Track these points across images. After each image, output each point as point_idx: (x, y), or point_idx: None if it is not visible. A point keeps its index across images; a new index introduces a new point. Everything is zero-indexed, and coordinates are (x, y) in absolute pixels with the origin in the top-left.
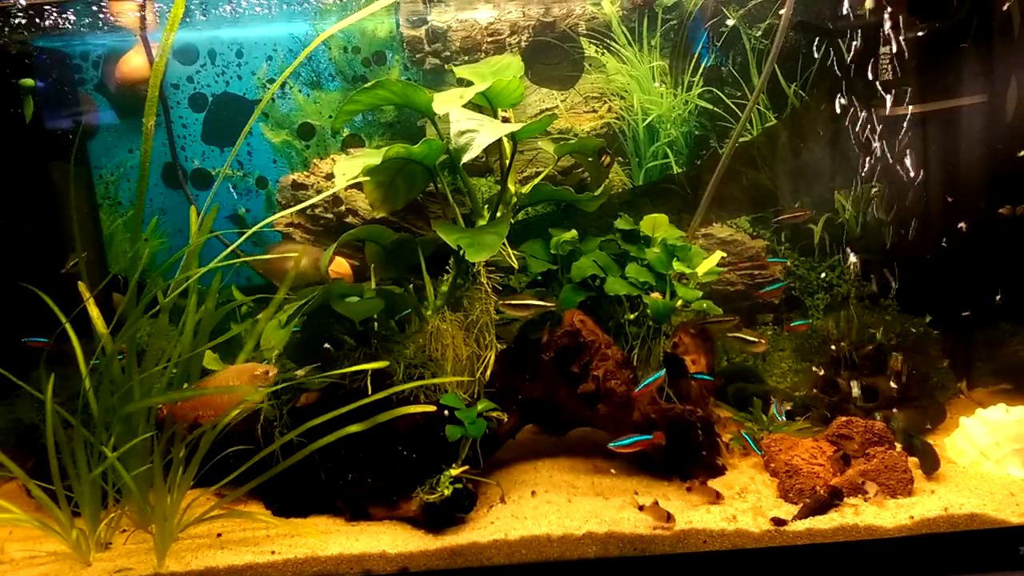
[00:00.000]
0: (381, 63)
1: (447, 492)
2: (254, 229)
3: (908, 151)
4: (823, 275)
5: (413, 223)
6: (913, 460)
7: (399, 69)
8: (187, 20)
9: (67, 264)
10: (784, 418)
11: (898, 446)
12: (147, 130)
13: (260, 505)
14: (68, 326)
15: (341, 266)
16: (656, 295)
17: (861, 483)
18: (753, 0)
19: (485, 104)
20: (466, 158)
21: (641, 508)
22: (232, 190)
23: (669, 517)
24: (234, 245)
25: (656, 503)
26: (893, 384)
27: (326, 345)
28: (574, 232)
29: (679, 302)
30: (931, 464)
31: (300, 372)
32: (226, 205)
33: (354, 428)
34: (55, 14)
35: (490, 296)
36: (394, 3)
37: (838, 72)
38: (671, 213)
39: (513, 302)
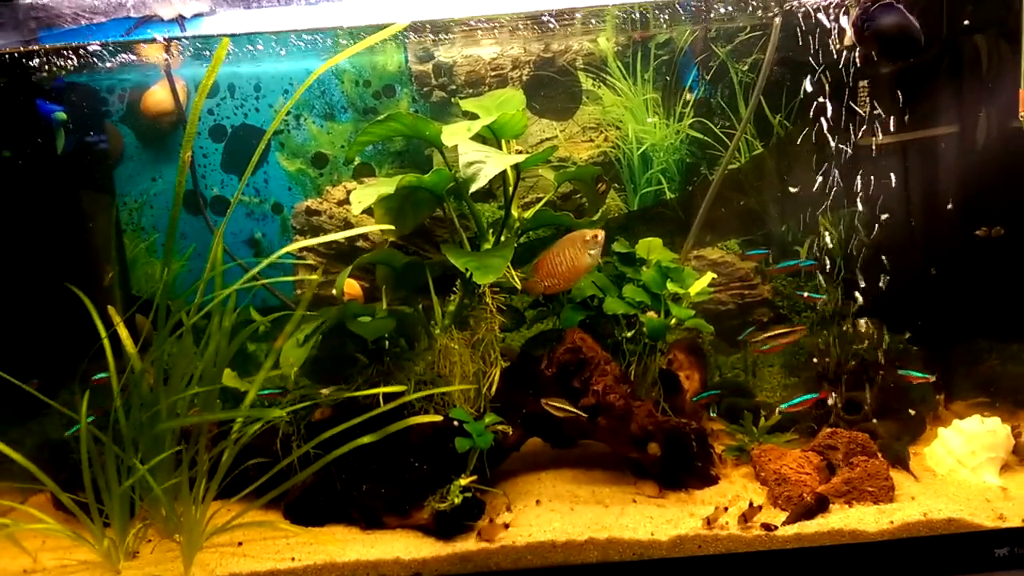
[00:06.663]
0: (390, 96)
1: (457, 501)
2: (274, 256)
3: (886, 178)
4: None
5: (420, 246)
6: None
7: (407, 102)
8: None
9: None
10: (758, 434)
11: (880, 455)
12: (183, 162)
13: (279, 515)
14: (107, 343)
15: (352, 287)
16: (651, 314)
17: (846, 490)
18: (740, 37)
19: (490, 136)
20: (474, 188)
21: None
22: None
23: None
24: (255, 270)
25: None
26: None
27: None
28: None
29: (673, 320)
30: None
31: (325, 391)
32: (244, 229)
33: (366, 439)
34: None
35: (495, 316)
36: (380, 40)
37: (819, 104)
38: (665, 236)
39: (555, 404)
